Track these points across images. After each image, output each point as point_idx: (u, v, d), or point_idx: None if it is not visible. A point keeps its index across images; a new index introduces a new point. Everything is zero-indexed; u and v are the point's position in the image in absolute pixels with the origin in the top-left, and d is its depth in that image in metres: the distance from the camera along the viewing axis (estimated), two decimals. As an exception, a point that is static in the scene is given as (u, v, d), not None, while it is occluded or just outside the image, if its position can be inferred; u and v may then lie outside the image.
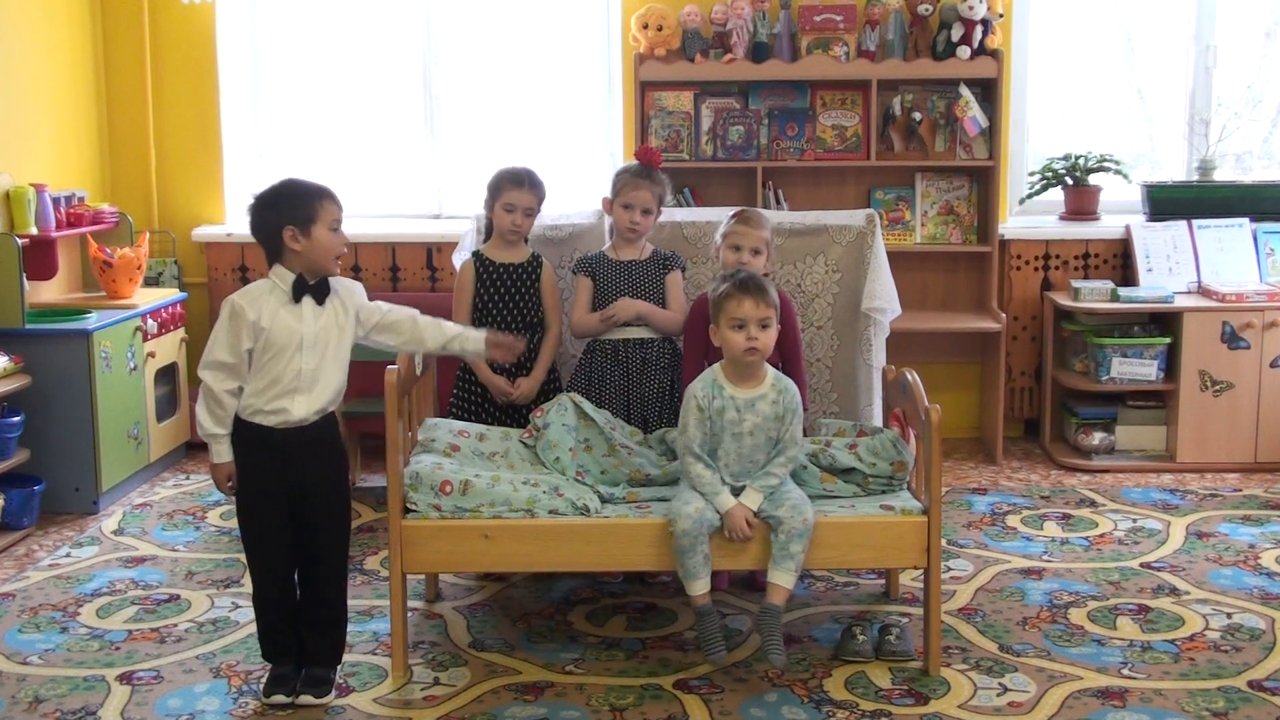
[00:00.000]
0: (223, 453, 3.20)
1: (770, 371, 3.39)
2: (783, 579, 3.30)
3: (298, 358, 3.13)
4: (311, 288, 3.16)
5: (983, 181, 5.54)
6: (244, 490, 3.22)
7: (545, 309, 4.01)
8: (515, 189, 3.95)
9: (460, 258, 4.17)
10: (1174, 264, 5.44)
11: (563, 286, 4.14)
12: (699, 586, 3.31)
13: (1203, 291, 5.35)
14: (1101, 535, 4.46)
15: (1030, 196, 5.70)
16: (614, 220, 3.98)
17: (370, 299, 3.31)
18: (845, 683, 3.33)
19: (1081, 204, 5.64)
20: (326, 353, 3.17)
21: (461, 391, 4.07)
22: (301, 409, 3.14)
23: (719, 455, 3.35)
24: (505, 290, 3.97)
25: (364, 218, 5.93)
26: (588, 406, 3.75)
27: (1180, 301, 5.24)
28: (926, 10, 5.35)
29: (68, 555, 4.33)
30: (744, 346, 3.30)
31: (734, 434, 3.34)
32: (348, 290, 3.25)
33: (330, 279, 3.21)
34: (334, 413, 3.24)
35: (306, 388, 3.14)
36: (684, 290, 3.99)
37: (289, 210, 3.14)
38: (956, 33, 5.30)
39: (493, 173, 4.03)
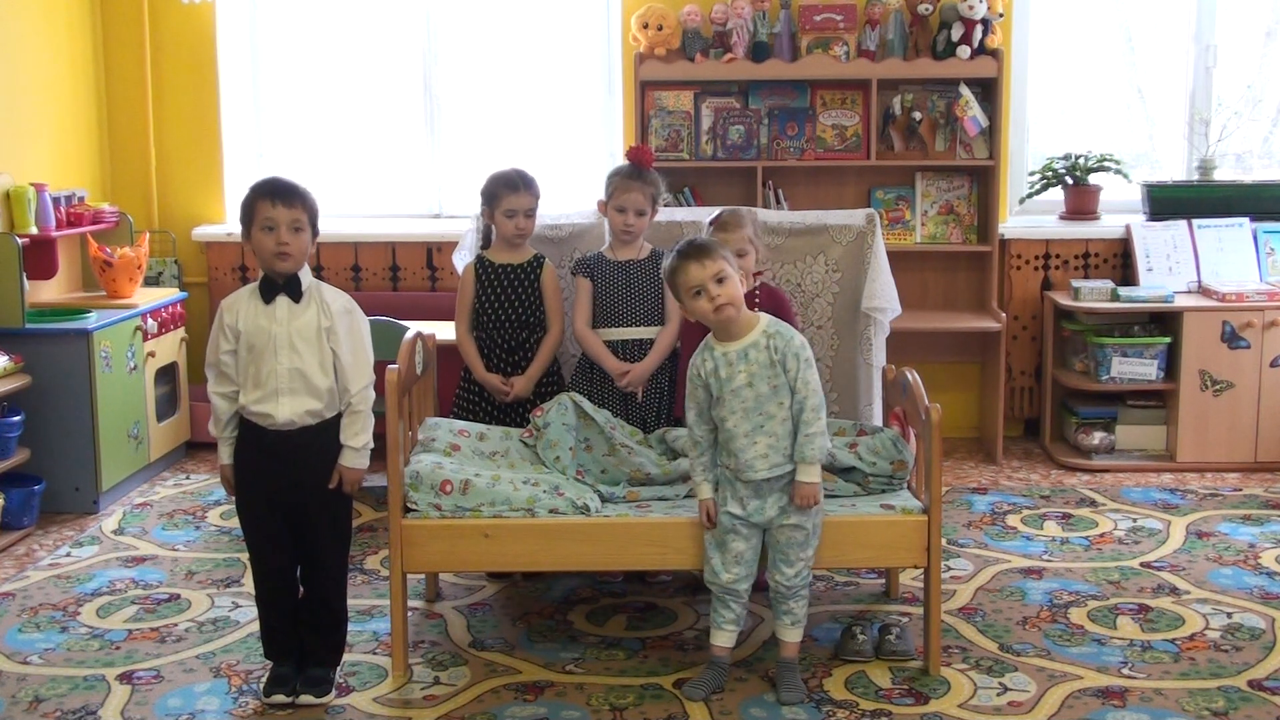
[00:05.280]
0: (221, 455, 3.23)
1: (763, 320, 3.27)
2: (786, 634, 3.30)
3: (273, 358, 3.12)
4: (283, 287, 3.15)
5: (983, 181, 5.54)
6: (241, 490, 3.22)
7: (546, 309, 4.00)
8: (512, 194, 3.94)
9: (460, 257, 4.17)
10: (1174, 264, 5.44)
11: (563, 286, 4.14)
12: (721, 639, 3.31)
13: (1203, 291, 5.35)
14: (1101, 535, 4.46)
15: (1030, 196, 5.70)
16: (609, 222, 3.98)
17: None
18: (845, 682, 3.33)
19: (1081, 203, 5.64)
20: (306, 353, 3.14)
21: (464, 392, 4.06)
22: (286, 411, 3.12)
23: (726, 416, 3.22)
24: (505, 291, 3.97)
25: (364, 218, 5.94)
26: (588, 406, 3.75)
27: (1180, 301, 5.24)
28: (926, 10, 5.35)
29: (68, 555, 4.33)
30: (711, 309, 3.20)
31: (732, 390, 3.21)
32: (334, 298, 3.20)
33: (315, 282, 3.20)
34: (336, 418, 3.20)
35: (288, 389, 3.13)
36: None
37: (241, 215, 3.19)
38: (956, 32, 5.30)
39: (485, 180, 4.01)
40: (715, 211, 3.90)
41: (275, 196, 3.12)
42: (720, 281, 3.18)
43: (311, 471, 3.18)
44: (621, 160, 4.33)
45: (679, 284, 3.24)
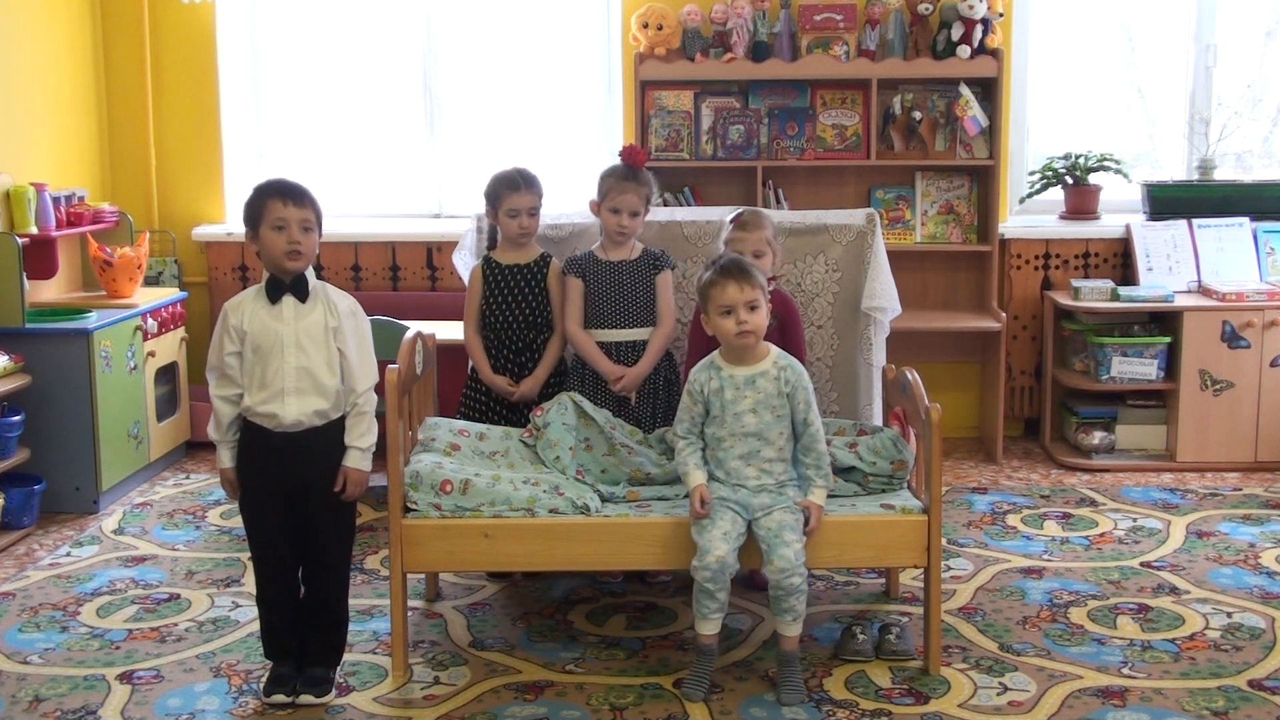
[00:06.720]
0: (222, 459, 3.22)
1: (773, 350, 3.36)
2: (785, 630, 3.29)
3: (280, 358, 3.12)
4: (289, 287, 3.15)
5: (983, 181, 5.54)
6: (245, 490, 3.22)
7: (553, 309, 3.99)
8: (514, 193, 3.94)
9: (460, 257, 4.17)
10: (1174, 263, 5.44)
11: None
12: (707, 628, 3.30)
13: (1203, 291, 5.35)
14: (1101, 534, 4.46)
15: (1030, 196, 5.70)
16: (602, 223, 3.98)
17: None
18: (845, 682, 3.33)
19: (1082, 203, 5.64)
20: (314, 352, 3.14)
21: (471, 393, 4.06)
22: (293, 411, 3.13)
23: (723, 438, 3.31)
24: (511, 291, 3.96)
25: (364, 218, 5.94)
26: (588, 406, 3.75)
27: (1180, 301, 5.24)
28: (926, 9, 5.35)
29: (68, 555, 4.33)
30: (734, 331, 3.28)
31: (735, 413, 3.29)
32: (340, 299, 3.21)
33: (320, 283, 3.20)
34: (341, 419, 3.20)
35: (295, 388, 3.13)
36: (674, 290, 3.99)
37: (247, 214, 3.19)
38: (956, 32, 5.30)
39: (488, 180, 4.01)
40: (731, 210, 3.90)
41: (286, 196, 3.13)
42: (752, 309, 3.28)
43: (317, 472, 3.18)
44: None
45: (712, 297, 3.32)
